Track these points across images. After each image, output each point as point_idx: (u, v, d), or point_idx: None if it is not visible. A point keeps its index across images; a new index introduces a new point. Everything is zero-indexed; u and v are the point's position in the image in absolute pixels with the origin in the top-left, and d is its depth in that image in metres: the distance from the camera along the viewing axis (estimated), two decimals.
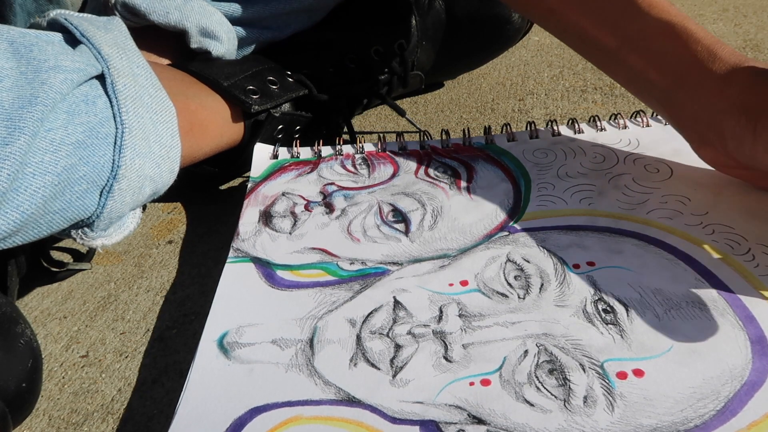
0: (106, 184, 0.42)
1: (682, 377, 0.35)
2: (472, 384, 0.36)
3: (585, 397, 0.34)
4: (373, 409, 0.35)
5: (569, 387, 0.35)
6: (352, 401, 0.36)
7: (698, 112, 0.45)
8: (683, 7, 0.87)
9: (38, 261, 0.49)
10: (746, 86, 0.43)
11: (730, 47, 0.46)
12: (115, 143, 0.42)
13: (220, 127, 0.54)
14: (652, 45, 0.47)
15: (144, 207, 0.51)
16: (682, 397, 0.34)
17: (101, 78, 0.43)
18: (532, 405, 0.34)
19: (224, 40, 0.58)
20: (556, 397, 0.35)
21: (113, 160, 0.42)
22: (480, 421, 0.34)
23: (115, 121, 0.42)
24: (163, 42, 0.56)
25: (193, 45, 0.57)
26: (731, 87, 0.43)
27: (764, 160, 0.42)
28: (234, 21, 0.59)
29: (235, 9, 0.59)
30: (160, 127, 0.44)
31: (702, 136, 0.46)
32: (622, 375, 0.35)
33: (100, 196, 0.42)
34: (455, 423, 0.34)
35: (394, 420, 0.35)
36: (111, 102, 0.42)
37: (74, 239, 0.43)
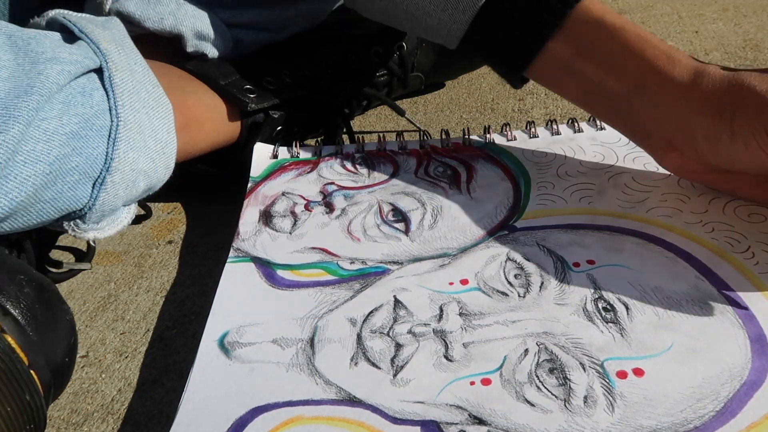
0: (99, 177, 0.42)
1: (682, 377, 0.35)
2: (472, 383, 0.36)
3: (585, 397, 0.34)
4: (374, 409, 0.35)
5: (569, 386, 0.35)
6: (353, 401, 0.36)
7: (663, 117, 0.44)
8: (683, 7, 0.87)
9: (39, 261, 0.49)
10: (717, 82, 0.42)
11: (684, 52, 0.45)
12: (109, 136, 0.42)
13: (216, 124, 0.54)
14: (607, 52, 0.45)
15: (149, 211, 0.51)
16: (682, 397, 0.34)
17: (99, 72, 0.43)
18: (532, 405, 0.34)
19: (220, 43, 0.58)
20: (556, 397, 0.35)
21: (107, 152, 0.42)
22: (481, 422, 0.34)
23: (110, 114, 0.42)
24: (160, 48, 0.56)
25: (189, 49, 0.57)
26: (699, 88, 0.42)
27: (744, 158, 0.41)
28: (231, 24, 0.59)
29: (232, 14, 0.59)
30: (156, 122, 0.44)
31: (668, 142, 0.44)
32: (622, 374, 0.35)
33: (93, 188, 0.42)
34: (456, 423, 0.34)
35: (395, 420, 0.34)
36: (108, 95, 0.42)
37: (66, 231, 0.43)
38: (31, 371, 0.33)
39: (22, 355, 0.32)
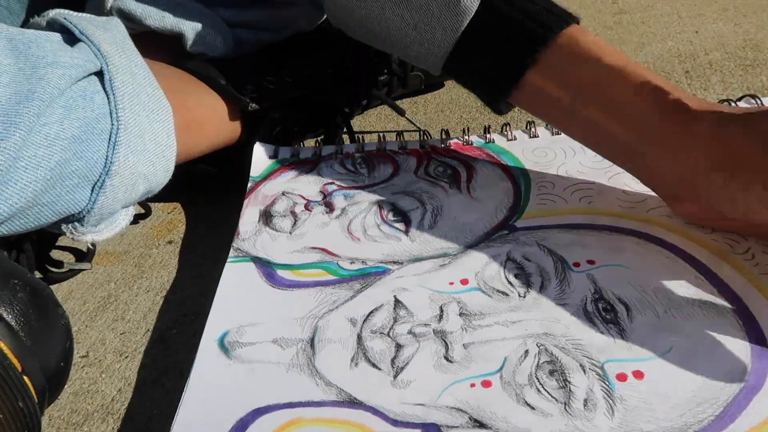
0: (98, 180, 0.42)
1: (682, 380, 0.35)
2: (473, 385, 0.36)
3: (585, 400, 0.34)
4: (375, 411, 0.35)
5: (570, 389, 0.35)
6: (353, 403, 0.36)
7: (665, 167, 0.42)
8: (683, 7, 0.87)
9: (39, 261, 0.49)
10: (711, 137, 0.39)
11: (687, 93, 0.42)
12: (109, 139, 0.42)
13: (216, 125, 0.53)
14: (609, 95, 0.43)
15: (148, 210, 0.51)
16: (682, 401, 0.34)
17: (100, 74, 0.43)
18: (533, 408, 0.34)
19: (221, 43, 0.57)
20: (556, 399, 0.35)
21: (107, 156, 0.42)
22: (481, 425, 0.34)
23: (111, 118, 0.42)
24: (161, 46, 0.55)
25: (190, 48, 0.57)
26: (697, 139, 0.40)
27: (743, 215, 0.39)
28: (231, 24, 0.59)
29: (233, 13, 0.59)
30: (156, 125, 0.44)
31: (674, 193, 0.43)
32: (622, 377, 0.35)
33: (92, 191, 0.42)
34: (457, 426, 0.34)
35: (396, 422, 0.34)
36: (108, 98, 0.42)
37: (64, 233, 0.43)
38: (25, 377, 0.32)
39: (14, 361, 0.32)
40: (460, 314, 0.40)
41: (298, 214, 0.51)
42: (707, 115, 0.40)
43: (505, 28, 0.45)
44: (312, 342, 0.40)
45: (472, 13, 0.46)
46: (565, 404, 0.34)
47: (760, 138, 0.38)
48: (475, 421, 0.34)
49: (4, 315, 0.33)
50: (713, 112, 0.40)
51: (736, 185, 0.38)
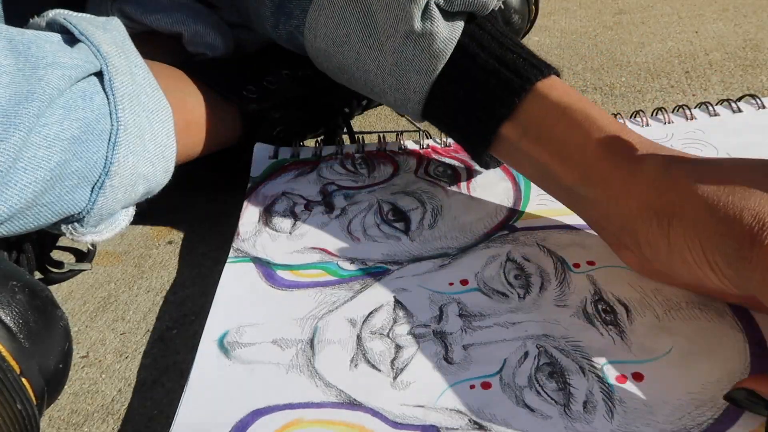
0: (97, 181, 0.42)
1: (681, 382, 0.35)
2: (473, 387, 0.36)
3: (585, 402, 0.34)
4: (375, 413, 0.35)
5: (569, 391, 0.35)
6: (353, 404, 0.36)
7: (610, 212, 0.39)
8: (683, 7, 0.87)
9: (39, 262, 0.49)
10: (654, 183, 0.37)
11: (638, 135, 0.40)
12: (109, 140, 0.42)
13: (216, 125, 0.53)
14: (553, 134, 0.42)
15: (145, 210, 0.51)
16: (681, 403, 0.34)
17: (100, 75, 0.43)
18: (532, 410, 0.34)
19: (221, 43, 0.57)
20: (556, 401, 0.35)
21: (106, 156, 0.41)
22: (481, 427, 0.34)
23: (111, 118, 0.42)
24: (161, 46, 0.55)
25: (190, 48, 0.57)
26: (639, 183, 0.37)
27: (682, 272, 0.36)
28: (232, 24, 0.59)
29: (233, 13, 0.59)
30: (156, 126, 0.44)
31: (618, 239, 0.39)
32: (621, 379, 0.35)
33: (91, 192, 0.42)
34: (457, 429, 0.34)
35: (396, 424, 0.34)
36: (108, 99, 0.42)
37: (64, 234, 0.43)
38: (23, 379, 0.32)
39: (13, 363, 0.32)
40: (460, 315, 0.40)
41: (298, 215, 0.51)
42: (653, 159, 0.38)
43: (482, 76, 0.44)
44: (312, 343, 0.40)
45: (446, 57, 0.45)
46: (565, 406, 0.34)
47: (704, 188, 0.34)
48: (475, 423, 0.34)
49: (2, 317, 0.33)
50: (660, 156, 0.38)
51: (675, 237, 0.35)
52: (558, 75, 0.45)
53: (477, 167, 0.54)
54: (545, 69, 0.44)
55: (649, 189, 0.37)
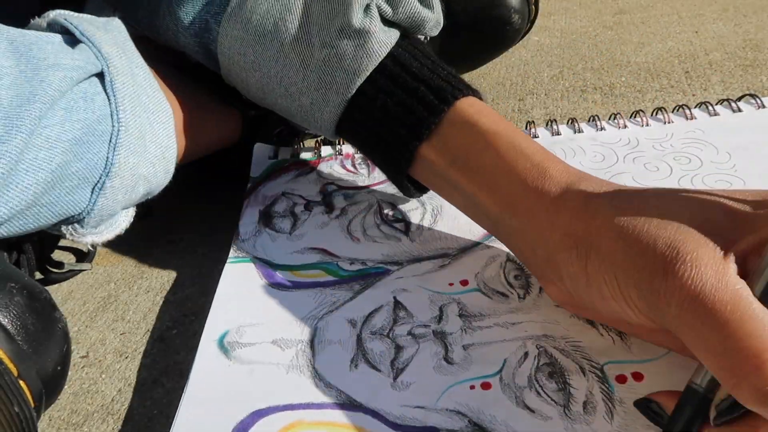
0: (98, 182, 0.42)
1: (681, 382, 0.35)
2: (472, 387, 0.36)
3: (585, 403, 0.34)
4: (375, 414, 0.35)
5: (569, 391, 0.35)
6: (353, 405, 0.36)
7: (534, 243, 0.38)
8: (683, 7, 0.87)
9: (40, 262, 0.49)
10: (576, 213, 0.35)
11: (564, 164, 0.39)
12: (110, 141, 0.42)
13: (217, 126, 0.53)
14: (480, 163, 0.40)
15: (150, 211, 0.51)
16: None
17: (101, 76, 0.43)
18: (532, 411, 0.34)
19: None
20: (556, 402, 0.35)
21: (107, 157, 0.41)
22: (481, 428, 0.34)
23: (112, 119, 0.42)
24: (162, 47, 0.55)
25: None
26: (562, 214, 0.36)
27: (600, 307, 0.34)
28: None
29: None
30: (157, 126, 0.44)
31: (543, 272, 0.38)
32: (621, 378, 0.35)
33: (92, 193, 0.42)
34: (456, 430, 0.34)
35: (396, 426, 0.34)
36: (109, 100, 0.42)
37: (64, 235, 0.43)
38: (21, 381, 0.32)
39: (11, 365, 0.32)
40: (460, 315, 0.41)
41: (297, 215, 0.51)
42: (575, 190, 0.36)
43: (406, 92, 0.43)
44: (312, 343, 0.40)
45: (378, 60, 0.44)
46: (565, 407, 0.34)
47: (621, 219, 0.33)
48: (475, 424, 0.34)
49: (0, 319, 0.33)
50: (584, 185, 0.36)
51: (592, 269, 0.34)
52: (482, 99, 0.43)
53: None
54: (468, 90, 0.43)
55: (571, 220, 0.35)
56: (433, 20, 0.46)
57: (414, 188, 0.47)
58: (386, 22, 0.45)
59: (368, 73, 0.44)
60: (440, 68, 0.44)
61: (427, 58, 0.45)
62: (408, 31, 0.46)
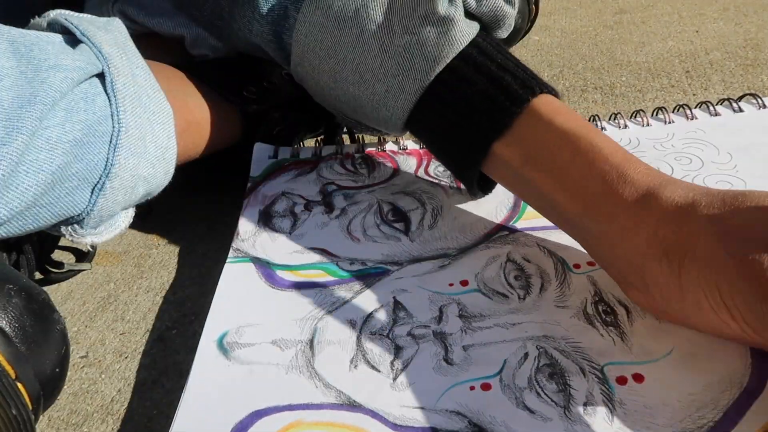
0: (98, 182, 0.42)
1: (682, 383, 0.35)
2: (472, 388, 0.36)
3: (585, 404, 0.34)
4: (374, 414, 0.35)
5: (569, 392, 0.35)
6: (353, 405, 0.36)
7: (614, 248, 0.36)
8: (684, 7, 0.87)
9: (39, 263, 0.49)
10: (663, 218, 0.34)
11: (646, 166, 0.37)
12: (110, 142, 0.42)
13: (216, 125, 0.53)
14: (556, 162, 0.39)
15: (150, 211, 0.51)
16: (681, 405, 0.34)
17: (101, 76, 0.43)
18: (532, 412, 0.34)
19: (222, 44, 0.57)
20: (556, 403, 0.35)
21: (107, 158, 0.41)
22: (481, 429, 0.34)
23: (112, 120, 0.42)
24: (162, 47, 0.55)
25: (192, 50, 0.57)
26: (648, 218, 0.34)
27: (696, 319, 0.33)
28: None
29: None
30: (157, 127, 0.44)
31: (624, 277, 0.37)
32: (621, 380, 0.35)
33: (92, 193, 0.42)
34: (456, 431, 0.34)
35: (396, 426, 0.34)
36: (110, 100, 0.42)
37: (64, 235, 0.43)
38: (18, 384, 0.32)
39: (8, 367, 0.32)
40: (460, 316, 0.40)
41: (297, 215, 0.51)
42: (663, 192, 0.35)
43: (486, 83, 0.43)
44: (311, 343, 0.40)
45: (459, 49, 0.44)
46: (565, 408, 0.34)
47: (721, 224, 0.31)
48: (474, 425, 0.34)
49: None
50: (672, 188, 0.35)
51: (687, 278, 0.32)
52: (558, 97, 0.43)
53: None
54: (548, 88, 0.42)
55: (659, 224, 0.34)
56: (513, 17, 0.47)
57: (478, 189, 0.47)
58: (468, 15, 0.45)
59: (448, 61, 0.44)
60: (521, 64, 0.44)
61: (508, 53, 0.45)
62: (488, 26, 0.47)
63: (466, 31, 0.44)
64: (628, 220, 0.35)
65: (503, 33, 0.49)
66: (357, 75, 0.46)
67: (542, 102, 0.41)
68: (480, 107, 0.42)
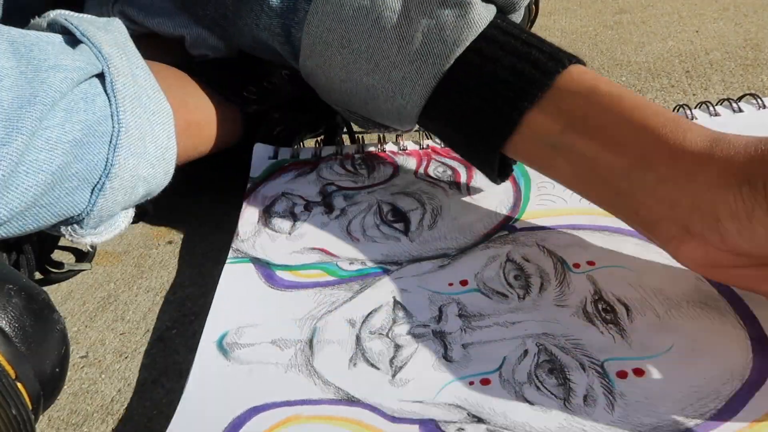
0: (98, 182, 0.42)
1: (683, 377, 0.35)
2: (471, 383, 0.36)
3: (585, 396, 0.34)
4: (373, 408, 0.35)
5: (569, 386, 0.35)
6: (351, 400, 0.36)
7: (674, 195, 0.36)
8: (684, 6, 0.87)
9: (39, 263, 0.49)
10: (744, 151, 0.34)
11: (696, 123, 0.38)
12: (110, 142, 0.42)
13: (216, 126, 0.53)
14: (602, 124, 0.39)
15: (149, 211, 0.51)
16: (683, 396, 0.34)
17: (101, 76, 0.43)
18: (532, 404, 0.34)
19: (222, 44, 0.57)
20: (556, 396, 0.35)
21: (107, 158, 0.41)
22: (480, 420, 0.34)
23: (112, 120, 0.42)
24: (163, 47, 0.55)
25: (191, 49, 0.57)
26: (719, 156, 0.35)
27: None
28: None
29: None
30: (157, 128, 0.44)
31: (683, 227, 0.36)
32: (622, 374, 0.35)
33: (91, 194, 0.42)
34: (455, 422, 0.34)
35: (394, 419, 0.34)
36: (110, 100, 0.42)
37: (63, 235, 0.43)
38: (18, 384, 0.32)
39: (8, 367, 0.32)
40: (460, 315, 0.40)
41: (297, 215, 0.51)
42: (726, 138, 0.36)
43: (508, 59, 0.42)
44: (311, 343, 0.40)
45: (478, 32, 0.43)
46: (565, 400, 0.34)
47: None
48: (473, 416, 0.34)
49: None
50: (730, 138, 0.36)
51: None
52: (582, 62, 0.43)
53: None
54: (575, 58, 0.42)
55: (736, 156, 0.34)
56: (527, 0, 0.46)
57: (498, 173, 0.47)
58: None
59: (467, 44, 0.43)
60: (545, 40, 0.44)
61: (522, 31, 0.44)
62: (502, 9, 0.46)
63: (483, 14, 0.44)
64: (696, 157, 0.35)
65: (516, 18, 0.49)
66: (372, 64, 0.46)
67: (578, 70, 0.42)
68: (510, 81, 0.42)
